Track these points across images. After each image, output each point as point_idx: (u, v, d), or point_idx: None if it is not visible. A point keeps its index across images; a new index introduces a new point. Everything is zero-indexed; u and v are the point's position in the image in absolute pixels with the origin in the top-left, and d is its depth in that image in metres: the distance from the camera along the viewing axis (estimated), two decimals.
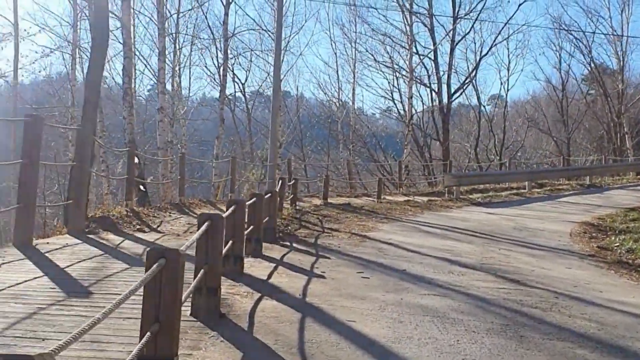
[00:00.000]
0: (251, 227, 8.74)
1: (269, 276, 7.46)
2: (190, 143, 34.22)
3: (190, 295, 5.32)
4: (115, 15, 23.56)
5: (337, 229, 13.09)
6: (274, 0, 25.24)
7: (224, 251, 6.97)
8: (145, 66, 30.64)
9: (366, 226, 13.88)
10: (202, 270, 5.36)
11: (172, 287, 3.83)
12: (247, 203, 8.28)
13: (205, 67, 42.71)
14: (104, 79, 31.44)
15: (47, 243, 8.99)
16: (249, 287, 6.71)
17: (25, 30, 24.02)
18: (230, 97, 34.90)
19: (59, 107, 27.02)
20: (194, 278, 5.36)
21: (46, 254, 7.99)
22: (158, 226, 12.23)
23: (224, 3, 25.58)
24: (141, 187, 17.63)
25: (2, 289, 5.85)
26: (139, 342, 3.67)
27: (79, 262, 7.58)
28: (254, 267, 7.98)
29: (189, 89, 34.86)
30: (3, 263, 7.13)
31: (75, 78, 26.13)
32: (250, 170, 25.30)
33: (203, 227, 5.34)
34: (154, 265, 3.73)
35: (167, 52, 29.45)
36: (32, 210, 8.55)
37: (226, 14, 25.30)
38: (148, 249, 3.97)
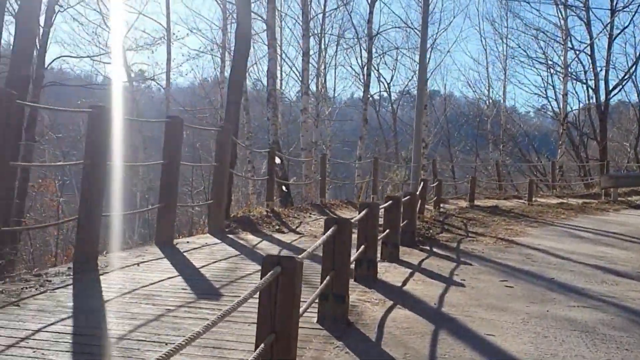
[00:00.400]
0: (387, 230, 8.42)
1: (404, 283, 7.11)
2: (335, 143, 34.38)
3: (316, 301, 5.10)
4: (260, 17, 24.04)
5: (482, 233, 12.49)
6: None
7: (356, 256, 6.74)
8: (291, 68, 31.07)
9: (514, 230, 13.17)
10: (329, 276, 5.12)
11: (288, 297, 3.60)
12: (382, 206, 7.97)
13: (350, 67, 42.58)
14: (255, 81, 32.28)
15: (187, 242, 9.12)
16: (381, 294, 6.39)
17: (174, 34, 24.93)
18: (375, 96, 34.78)
19: (210, 108, 27.90)
20: (321, 283, 5.15)
21: (184, 253, 8.07)
22: (297, 227, 12.18)
23: (369, 1, 25.45)
24: (283, 188, 17.76)
25: (136, 289, 5.88)
26: (254, 351, 3.48)
27: (215, 262, 7.58)
28: (389, 272, 7.65)
29: (334, 90, 35.02)
30: (142, 262, 7.24)
31: (224, 80, 26.85)
32: (394, 171, 24.95)
33: (329, 232, 5.10)
34: (268, 274, 3.51)
35: (312, 53, 29.82)
36: (173, 210, 8.69)
37: (371, 12, 25.16)
38: (265, 255, 3.77)
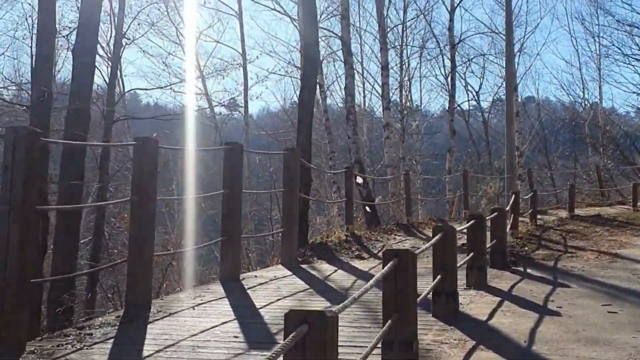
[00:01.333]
0: (472, 253, 7.53)
1: (490, 315, 6.21)
2: (425, 158, 33.29)
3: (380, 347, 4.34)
4: (335, 34, 23.53)
5: (582, 247, 11.35)
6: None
7: (432, 287, 5.93)
8: (372, 85, 30.26)
9: (618, 241, 11.93)
10: (391, 319, 4.34)
11: (319, 353, 2.87)
12: (460, 228, 7.11)
13: (435, 77, 41.32)
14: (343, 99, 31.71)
15: (255, 276, 8.50)
16: (462, 331, 5.53)
17: (249, 58, 24.70)
18: (463, 106, 33.56)
19: (294, 131, 27.51)
20: (383, 325, 4.39)
21: (248, 290, 7.45)
22: (379, 250, 11.38)
23: (449, 9, 24.51)
24: (367, 209, 16.99)
25: (182, 340, 5.26)
26: None
27: (279, 299, 6.90)
28: (474, 303, 6.76)
29: (421, 102, 33.97)
30: (199, 304, 6.64)
31: None
32: (487, 183, 23.74)
33: (386, 269, 4.32)
34: (291, 336, 2.79)
35: (393, 66, 28.98)
36: (237, 243, 8.10)
37: (451, 20, 24.18)
38: (289, 311, 3.05)
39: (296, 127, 28.32)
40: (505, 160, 22.15)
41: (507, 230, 11.19)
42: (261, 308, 6.49)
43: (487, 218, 8.48)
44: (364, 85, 31.64)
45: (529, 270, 8.94)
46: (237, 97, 24.90)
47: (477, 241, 7.72)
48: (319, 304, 6.69)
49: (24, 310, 4.92)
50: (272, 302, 6.74)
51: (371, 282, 4.00)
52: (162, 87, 21.42)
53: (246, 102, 24.00)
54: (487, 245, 8.57)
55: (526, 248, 11.16)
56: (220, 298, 6.98)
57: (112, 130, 12.67)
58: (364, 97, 32.20)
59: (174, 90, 25.43)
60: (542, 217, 16.77)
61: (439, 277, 5.99)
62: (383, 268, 4.41)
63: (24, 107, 8.92)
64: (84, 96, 9.71)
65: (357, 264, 9.78)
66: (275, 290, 7.43)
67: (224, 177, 8.13)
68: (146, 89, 25.35)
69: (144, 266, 6.35)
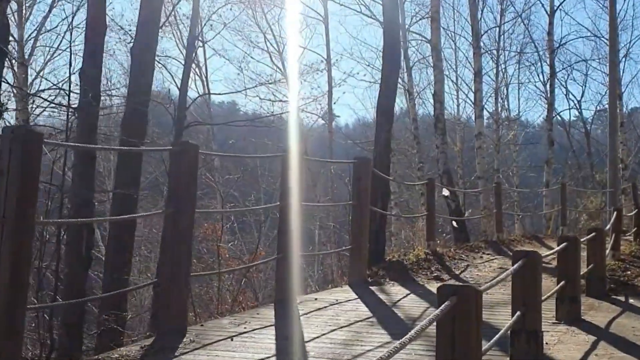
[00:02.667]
0: (562, 282, 6.42)
1: None
2: (522, 169, 31.54)
3: None
4: (423, 37, 22.47)
5: None
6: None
7: (510, 324, 4.92)
8: (466, 93, 28.86)
9: None
10: None
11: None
12: (546, 254, 6.02)
13: (535, 85, 39.17)
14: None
15: (315, 299, 7.63)
16: None
17: (335, 63, 23.91)
18: (563, 116, 31.67)
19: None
20: None
21: (302, 317, 6.59)
22: (461, 272, 10.32)
23: (548, 12, 22.99)
24: (454, 224, 15.86)
25: None
26: None
27: (332, 330, 6.01)
28: (562, 343, 5.66)
29: (519, 111, 32.19)
30: (241, 333, 5.83)
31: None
32: (587, 197, 22.04)
33: (441, 311, 3.37)
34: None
35: (488, 71, 27.58)
36: (293, 262, 7.26)
37: (550, 23, 22.67)
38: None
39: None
40: (607, 173, 20.49)
41: (607, 251, 9.92)
42: (309, 341, 5.61)
43: (583, 240, 7.34)
44: (457, 92, 30.32)
45: (631, 301, 7.72)
46: (319, 102, 24.11)
47: (569, 268, 6.60)
48: (377, 337, 5.76)
49: (17, 338, 4.23)
50: (324, 334, 5.85)
51: (423, 325, 3.08)
52: (238, 91, 20.75)
53: (330, 109, 23.26)
54: (583, 271, 7.43)
55: (629, 272, 9.81)
56: (267, 326, 6.14)
57: (182, 136, 12.15)
58: (458, 105, 30.87)
59: (260, 98, 24.89)
60: None
61: (518, 313, 4.97)
62: (438, 307, 3.48)
63: (71, 109, 8.44)
64: (142, 98, 9.15)
65: (434, 287, 8.72)
66: (332, 318, 6.54)
67: (280, 188, 7.34)
68: (219, 94, 24.47)
69: (177, 288, 5.60)
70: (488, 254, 12.67)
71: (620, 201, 22.06)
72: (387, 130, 11.64)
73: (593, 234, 7.79)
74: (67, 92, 8.84)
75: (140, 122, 9.18)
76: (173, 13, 17.36)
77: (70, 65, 10.94)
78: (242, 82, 24.48)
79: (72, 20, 14.71)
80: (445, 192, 15.93)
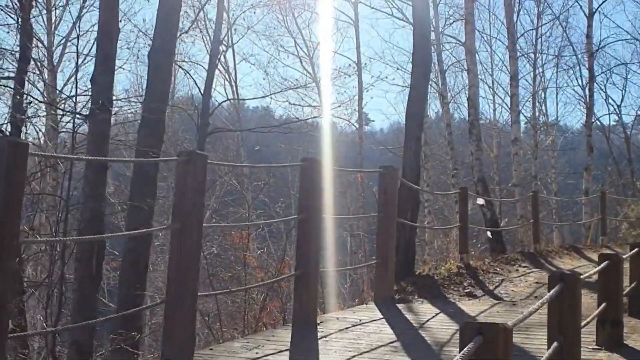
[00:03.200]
0: (603, 304, 5.83)
1: None
2: (561, 177, 30.62)
3: None
4: (458, 40, 21.85)
5: None
6: None
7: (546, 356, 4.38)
8: (502, 98, 28.05)
9: None
10: None
11: None
12: (585, 275, 5.43)
13: (573, 89, 37.84)
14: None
15: (337, 319, 7.13)
16: None
17: (365, 67, 23.42)
18: (602, 121, 30.71)
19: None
20: None
21: (320, 340, 6.10)
22: (496, 287, 9.73)
23: (587, 14, 22.19)
24: (489, 234, 15.20)
25: None
26: None
27: (352, 357, 5.50)
28: None
29: (557, 115, 31.28)
30: (252, 359, 5.35)
31: (426, 114, 24.78)
32: (628, 206, 21.14)
33: (465, 352, 2.85)
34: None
35: (525, 75, 26.83)
36: (313, 279, 6.77)
37: (589, 26, 21.85)
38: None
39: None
40: None
41: None
42: None
43: (625, 256, 6.74)
44: (494, 97, 29.55)
45: None
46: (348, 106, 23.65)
47: (611, 290, 6.00)
48: None
49: None
50: None
51: None
52: (264, 96, 20.25)
53: (360, 113, 22.75)
54: (625, 290, 6.84)
55: None
56: (282, 351, 5.66)
57: (205, 143, 11.75)
58: (494, 110, 30.10)
59: (290, 103, 24.53)
60: None
61: (555, 344, 4.41)
62: (460, 350, 2.96)
63: (82, 117, 8.07)
64: (159, 104, 8.74)
65: (466, 304, 8.20)
66: (353, 342, 6.03)
67: (299, 199, 6.86)
68: (245, 99, 24.04)
69: (182, 311, 5.15)
70: (524, 267, 12.06)
71: None
72: (417, 138, 11.10)
73: (636, 249, 7.17)
74: (74, 99, 8.48)
75: (157, 130, 8.77)
76: (202, 17, 17.03)
77: (77, 70, 10.63)
78: (271, 86, 24.03)
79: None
80: (480, 201, 15.28)
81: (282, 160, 32.55)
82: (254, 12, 22.09)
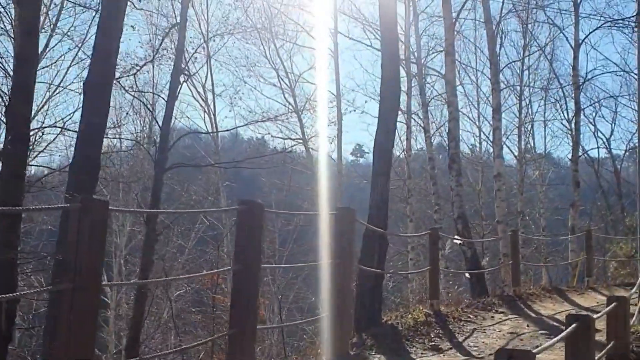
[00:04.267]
0: None
1: None
2: (549, 210, 29.92)
3: None
4: (438, 72, 21.33)
5: None
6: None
7: None
8: (487, 134, 27.45)
9: None
10: None
11: None
12: (546, 346, 4.68)
13: (561, 122, 37.21)
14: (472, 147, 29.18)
15: None
16: None
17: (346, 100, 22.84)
18: (591, 154, 30.15)
19: (397, 180, 25.31)
20: None
21: None
22: (467, 337, 8.98)
23: (572, 45, 21.68)
24: (467, 275, 14.45)
25: None
26: None
27: None
28: None
29: (544, 149, 30.67)
30: None
31: (410, 148, 24.22)
32: (617, 244, 20.47)
33: None
34: None
35: (511, 106, 26.31)
36: (249, 338, 6.00)
37: (575, 58, 21.32)
38: None
39: (399, 176, 26.19)
40: (638, 217, 18.97)
41: (635, 315, 8.55)
42: None
43: (597, 316, 6.02)
44: (480, 131, 28.99)
45: None
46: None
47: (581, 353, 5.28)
48: None
49: None
50: None
51: None
52: (239, 126, 19.41)
53: (339, 147, 22.14)
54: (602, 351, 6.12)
55: None
56: None
57: (162, 179, 11.03)
58: (480, 143, 29.54)
59: (272, 136, 23.85)
60: None
61: None
62: None
63: None
64: (94, 140, 8.00)
65: None
66: None
67: (235, 246, 6.12)
68: (194, 132, 23.10)
69: None
70: (501, 312, 11.32)
71: None
72: (384, 174, 10.38)
73: (613, 304, 6.45)
74: None
75: (91, 167, 7.98)
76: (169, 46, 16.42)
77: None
78: (252, 117, 23.41)
79: None
80: (457, 240, 14.56)
81: (275, 194, 31.89)
82: (233, 43, 21.52)
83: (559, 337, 4.53)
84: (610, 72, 27.32)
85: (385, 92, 10.59)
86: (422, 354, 7.87)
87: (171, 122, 12.02)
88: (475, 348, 8.32)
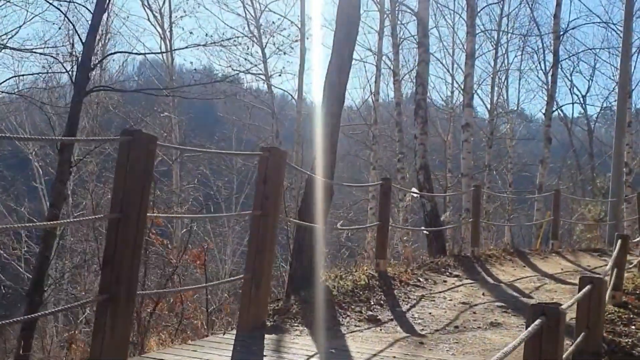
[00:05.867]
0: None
1: None
2: (518, 166, 28.85)
3: None
4: (410, 10, 19.82)
5: None
6: None
7: None
8: (459, 82, 26.02)
9: None
10: None
11: None
12: (511, 346, 3.45)
13: (537, 75, 35.59)
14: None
15: None
16: None
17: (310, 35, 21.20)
18: (565, 111, 29.02)
19: (362, 125, 24.00)
20: None
21: None
22: (411, 307, 7.79)
23: None
24: (425, 231, 13.29)
25: None
26: None
27: None
28: None
29: (518, 102, 29.41)
30: None
31: (378, 91, 22.84)
32: (586, 206, 19.46)
33: None
34: None
35: (484, 54, 24.98)
36: (129, 305, 4.70)
37: (558, 5, 19.92)
38: None
39: (367, 122, 24.85)
40: (610, 179, 17.95)
41: (607, 295, 7.43)
42: None
43: (564, 306, 4.81)
44: (453, 79, 27.61)
45: None
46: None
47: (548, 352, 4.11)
48: None
49: None
50: None
51: None
52: (195, 45, 17.68)
53: (300, 85, 20.70)
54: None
55: (633, 327, 7.27)
56: None
57: (81, 102, 9.58)
58: (452, 92, 28.18)
59: (228, 64, 22.25)
60: None
61: None
62: None
63: None
64: None
65: (358, 339, 6.19)
66: None
67: (112, 193, 4.76)
68: (131, 52, 21.19)
69: None
70: (456, 276, 10.19)
71: (622, 212, 19.56)
72: (334, 114, 9.01)
73: (587, 288, 5.24)
74: None
75: None
76: None
77: None
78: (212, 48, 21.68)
79: None
80: (414, 191, 13.34)
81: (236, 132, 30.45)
82: None
83: (518, 339, 3.39)
84: (592, 22, 25.81)
85: (341, 18, 9.14)
86: (355, 326, 6.66)
87: (99, 38, 10.47)
88: (420, 321, 7.14)
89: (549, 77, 21.91)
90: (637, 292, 9.23)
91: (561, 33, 21.58)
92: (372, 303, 7.58)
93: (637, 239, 11.63)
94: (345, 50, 9.20)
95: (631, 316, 7.61)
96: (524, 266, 12.07)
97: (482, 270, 11.07)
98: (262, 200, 6.12)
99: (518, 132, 31.01)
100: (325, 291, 7.61)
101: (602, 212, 18.73)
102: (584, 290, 5.04)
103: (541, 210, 19.63)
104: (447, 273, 10.30)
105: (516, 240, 21.42)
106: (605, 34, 30.17)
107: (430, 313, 7.51)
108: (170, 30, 22.77)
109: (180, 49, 21.24)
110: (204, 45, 16.43)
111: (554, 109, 22.30)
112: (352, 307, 7.28)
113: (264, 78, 22.63)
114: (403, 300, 8.02)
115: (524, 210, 27.36)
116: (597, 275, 5.22)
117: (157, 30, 22.49)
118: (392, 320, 7.09)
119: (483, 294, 8.84)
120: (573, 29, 25.59)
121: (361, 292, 7.81)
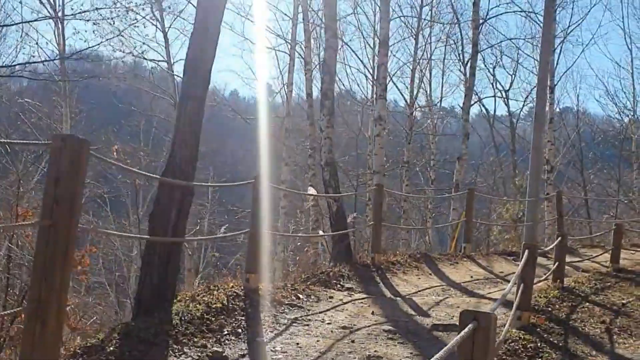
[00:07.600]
0: None
1: None
2: (439, 162, 27.79)
3: None
4: None
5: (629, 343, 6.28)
6: None
7: None
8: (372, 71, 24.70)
9: None
10: None
11: None
12: None
13: (459, 69, 34.23)
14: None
15: None
16: None
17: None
18: (487, 106, 28.11)
19: (274, 118, 22.49)
20: None
21: None
22: (278, 334, 6.35)
23: None
24: (320, 232, 11.88)
25: None
26: None
27: None
28: None
29: (441, 95, 28.24)
30: None
31: (292, 82, 21.43)
32: (504, 205, 18.43)
33: None
34: None
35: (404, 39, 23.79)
36: None
37: None
38: None
39: (279, 113, 23.41)
40: (528, 177, 16.93)
41: (512, 314, 6.18)
42: None
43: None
44: (373, 70, 26.32)
45: None
46: None
47: None
48: None
49: None
50: None
51: None
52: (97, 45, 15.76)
53: (168, 53, 19.16)
54: None
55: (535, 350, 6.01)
56: None
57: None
58: (373, 84, 26.87)
59: (134, 55, 20.49)
60: (572, 263, 11.76)
61: None
62: None
63: None
64: None
65: None
66: None
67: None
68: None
69: None
70: (347, 289, 8.83)
71: (543, 211, 18.64)
72: (197, 98, 7.46)
73: (470, 326, 3.86)
74: None
75: None
76: None
77: None
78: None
79: None
80: (311, 191, 11.91)
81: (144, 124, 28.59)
82: None
83: None
84: (513, 11, 24.65)
85: None
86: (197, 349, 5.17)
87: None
88: (281, 356, 5.69)
89: (467, 69, 20.79)
90: (550, 308, 8.06)
91: (480, 22, 20.48)
92: (226, 332, 6.09)
93: (550, 247, 10.44)
94: (211, 23, 7.64)
95: (539, 344, 6.36)
96: (431, 274, 10.84)
97: (381, 280, 9.76)
98: (52, 205, 4.54)
99: (442, 127, 30.06)
100: (174, 316, 6.08)
101: (520, 211, 17.71)
102: (464, 331, 3.62)
103: (457, 209, 18.50)
104: (338, 286, 8.94)
105: (437, 242, 20.29)
106: (528, 25, 29.34)
107: (297, 343, 6.08)
108: (63, 10, 20.50)
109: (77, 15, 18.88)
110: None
111: (472, 102, 21.22)
112: (195, 339, 5.75)
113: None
114: (269, 326, 6.56)
115: (446, 209, 26.38)
116: (484, 311, 3.73)
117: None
118: (243, 357, 5.62)
119: (372, 313, 7.49)
120: (493, 17, 24.47)
121: (213, 318, 6.28)
